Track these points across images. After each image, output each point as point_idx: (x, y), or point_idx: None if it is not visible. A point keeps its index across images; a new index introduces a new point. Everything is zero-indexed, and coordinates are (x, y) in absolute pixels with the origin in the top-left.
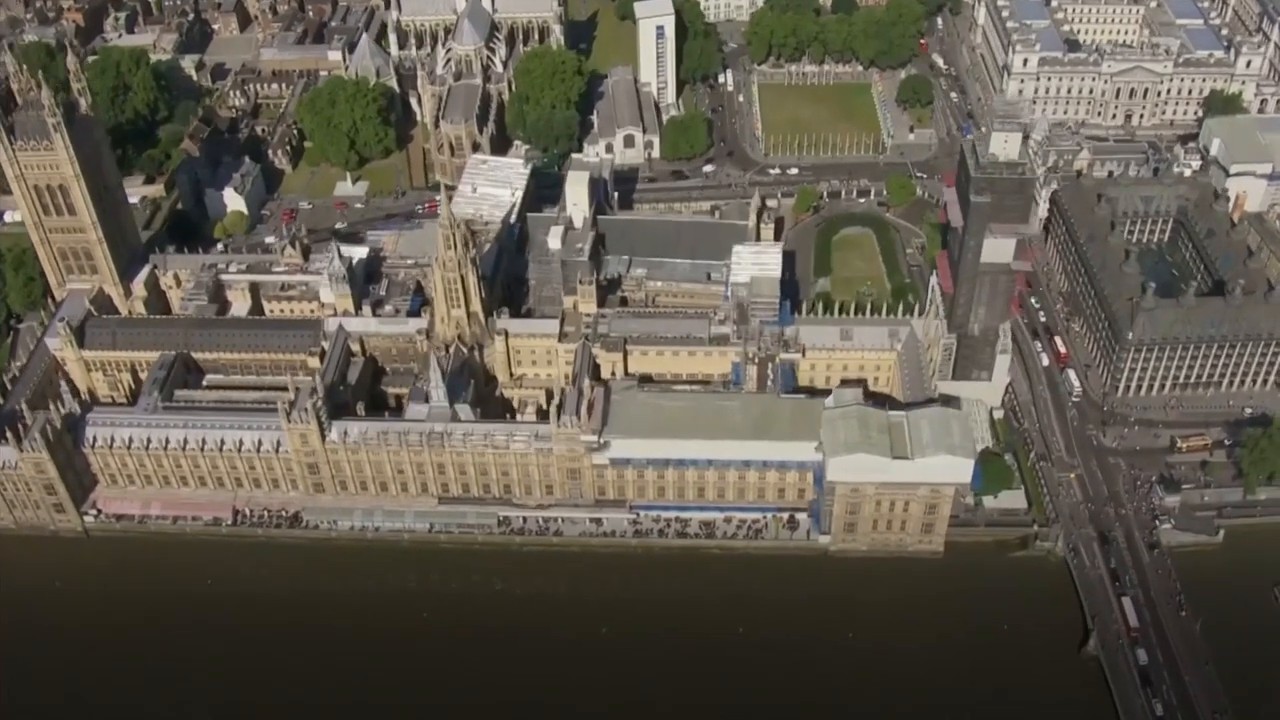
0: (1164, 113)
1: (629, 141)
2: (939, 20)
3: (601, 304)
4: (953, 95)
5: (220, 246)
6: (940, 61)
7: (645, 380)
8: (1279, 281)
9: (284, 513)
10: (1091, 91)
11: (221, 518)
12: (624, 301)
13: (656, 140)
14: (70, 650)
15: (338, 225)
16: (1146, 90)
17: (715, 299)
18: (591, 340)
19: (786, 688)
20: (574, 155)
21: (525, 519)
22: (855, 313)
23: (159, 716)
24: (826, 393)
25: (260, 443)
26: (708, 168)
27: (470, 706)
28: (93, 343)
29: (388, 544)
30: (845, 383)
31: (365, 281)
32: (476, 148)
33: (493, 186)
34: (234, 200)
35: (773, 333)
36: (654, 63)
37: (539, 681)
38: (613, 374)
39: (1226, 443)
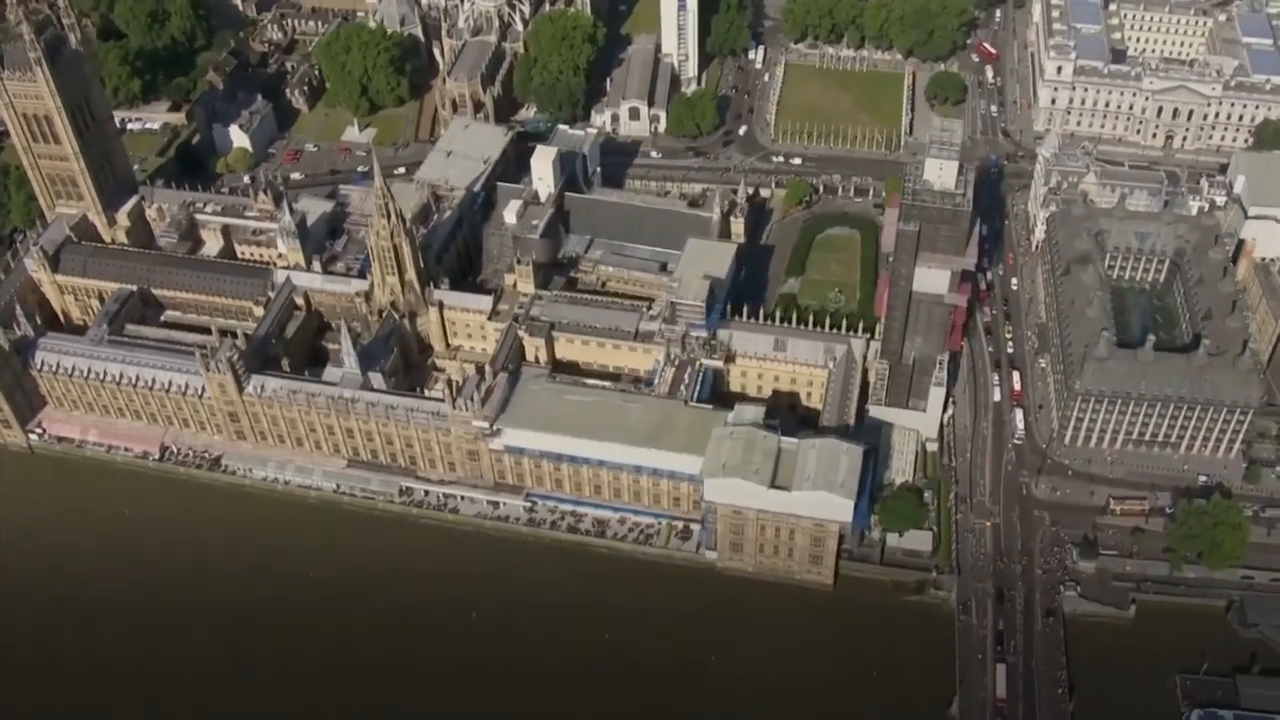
0: (1209, 138)
1: (634, 114)
2: (997, 12)
3: (547, 284)
4: (989, 100)
5: (223, 184)
6: (981, 59)
7: (564, 369)
8: (1269, 342)
9: (206, 454)
10: (1131, 108)
11: (150, 452)
12: (573, 283)
13: (663, 115)
14: None
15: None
16: (1191, 112)
17: (664, 291)
18: (519, 323)
19: (627, 701)
20: (560, 126)
21: (427, 492)
22: (810, 322)
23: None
24: (758, 401)
25: (187, 386)
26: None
27: (322, 664)
28: (66, 268)
29: (296, 498)
30: (777, 394)
31: (327, 236)
32: (480, 107)
33: (468, 152)
34: (239, 137)
35: (700, 336)
36: (675, 34)
37: (392, 652)
38: (536, 359)
39: (1168, 510)
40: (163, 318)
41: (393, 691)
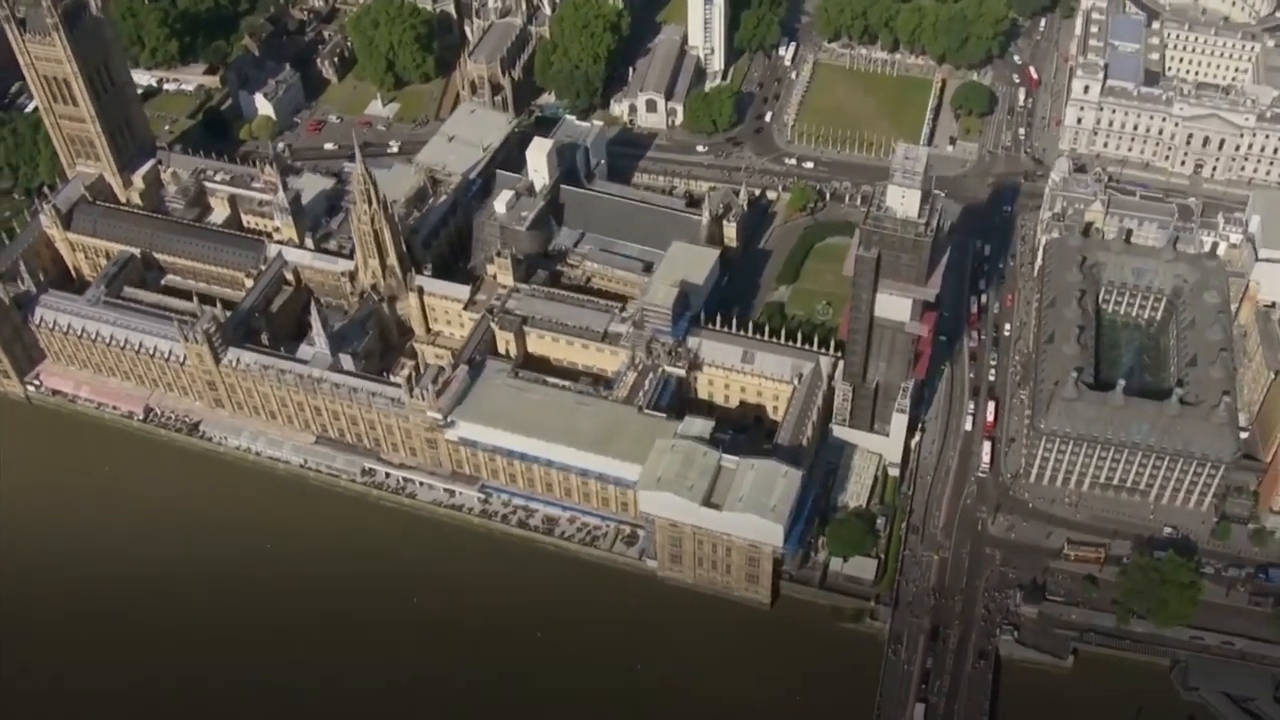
0: (1241, 169)
1: (651, 106)
2: (1042, 22)
3: (531, 276)
4: (1017, 122)
5: (255, 149)
6: (1022, 81)
7: (536, 364)
8: (1261, 392)
9: (187, 419)
10: (1161, 132)
11: (135, 412)
12: (558, 277)
13: (680, 109)
14: None
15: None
16: (1223, 142)
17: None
18: (493, 315)
19: (545, 699)
20: (567, 117)
21: (388, 475)
22: (784, 335)
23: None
24: (726, 411)
25: (171, 352)
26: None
27: (256, 628)
28: (78, 227)
29: (266, 469)
30: (744, 406)
31: (325, 213)
32: (499, 90)
33: (470, 138)
34: (264, 105)
35: (666, 342)
36: (701, 26)
37: (329, 624)
38: (506, 352)
39: (1125, 560)
40: (163, 281)
41: (321, 658)
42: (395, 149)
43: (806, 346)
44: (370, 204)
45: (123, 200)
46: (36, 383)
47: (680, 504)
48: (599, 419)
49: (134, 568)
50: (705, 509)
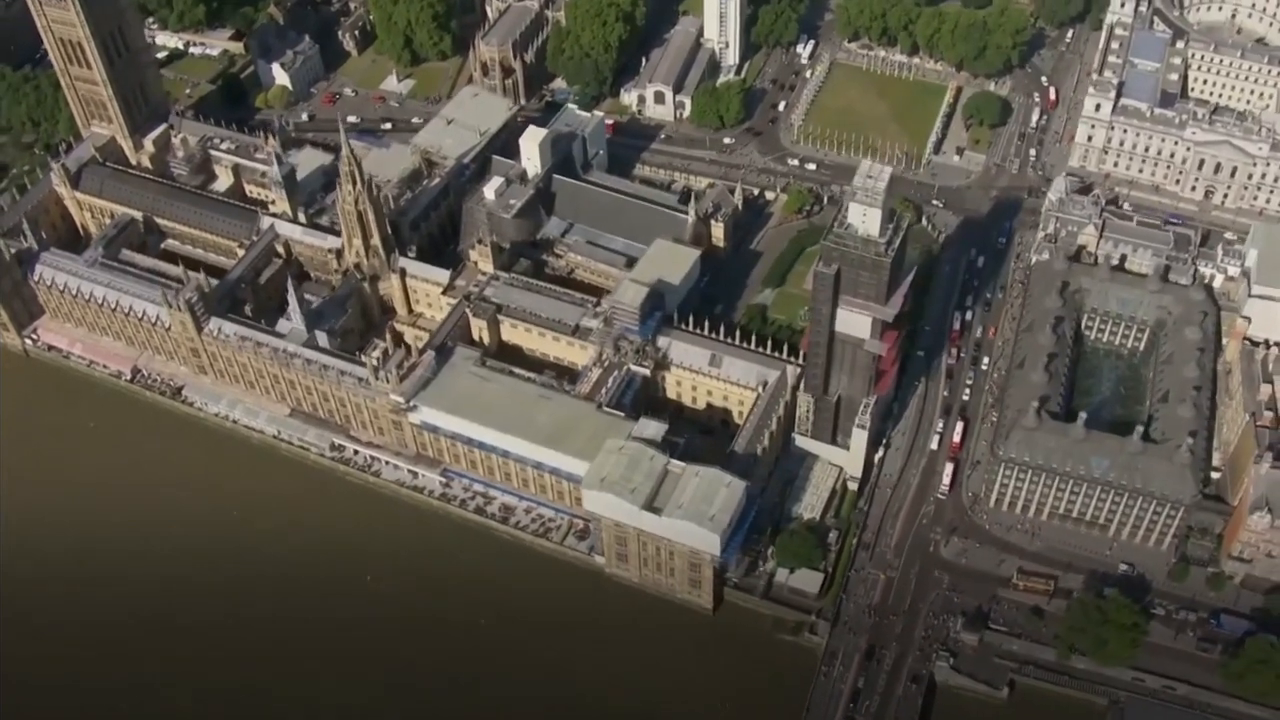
0: (1253, 199)
1: (659, 98)
2: (1069, 33)
3: (513, 264)
4: (1026, 143)
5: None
6: (1040, 103)
7: (509, 352)
8: (1237, 433)
9: (171, 383)
10: (1173, 155)
11: (123, 372)
12: (541, 266)
13: (688, 102)
14: None
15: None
16: (1235, 170)
17: None
18: (469, 301)
19: (483, 689)
20: (569, 106)
21: (356, 452)
22: (754, 340)
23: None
24: (690, 412)
25: (158, 317)
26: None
27: (208, 591)
28: (85, 186)
29: (241, 437)
30: (711, 408)
31: (322, 189)
32: (510, 73)
33: (469, 122)
34: (280, 75)
35: (635, 341)
36: (717, 19)
37: (280, 594)
38: (480, 339)
39: (1075, 594)
40: (163, 246)
41: (266, 623)
42: (388, 127)
43: (776, 354)
44: (355, 185)
45: (133, 163)
46: (34, 337)
47: (622, 506)
48: (557, 414)
49: (98, 521)
50: (645, 513)
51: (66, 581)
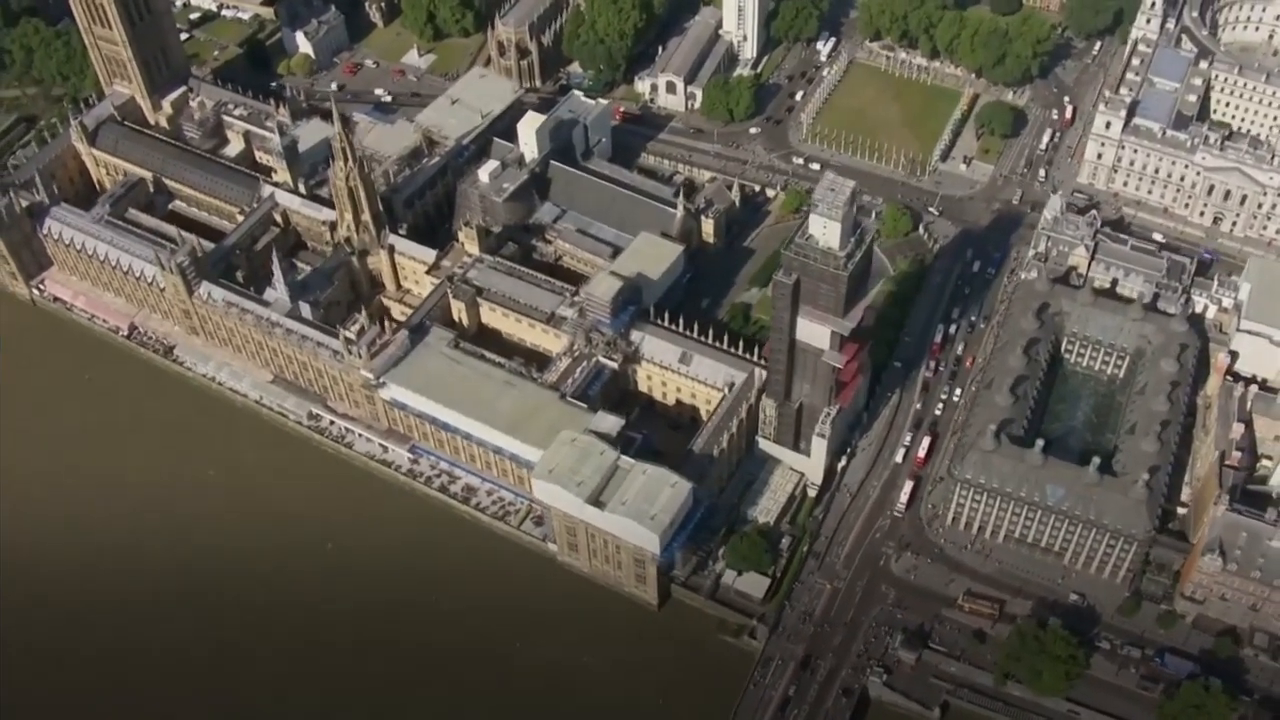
0: (1263, 228)
1: (671, 88)
2: (1097, 45)
3: (500, 248)
4: (1036, 164)
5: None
6: (1058, 120)
7: (488, 336)
8: (1206, 471)
9: (164, 342)
10: (1183, 179)
11: (121, 328)
12: (529, 252)
13: (699, 94)
14: None
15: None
16: (1245, 197)
17: None
18: (451, 283)
19: (425, 665)
20: (574, 91)
21: (332, 422)
22: (741, 340)
23: None
24: (661, 406)
25: (154, 278)
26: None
27: (172, 551)
28: (101, 144)
29: (226, 400)
30: (680, 405)
31: (325, 161)
32: (525, 54)
33: (473, 103)
34: (304, 44)
35: (608, 333)
36: (735, 12)
37: (237, 557)
38: (459, 320)
39: (1022, 619)
40: (170, 207)
41: (223, 581)
42: (388, 99)
43: (748, 356)
44: (346, 161)
45: (151, 123)
46: (41, 287)
47: (568, 497)
48: (520, 401)
49: (77, 469)
50: (589, 506)
51: (35, 519)
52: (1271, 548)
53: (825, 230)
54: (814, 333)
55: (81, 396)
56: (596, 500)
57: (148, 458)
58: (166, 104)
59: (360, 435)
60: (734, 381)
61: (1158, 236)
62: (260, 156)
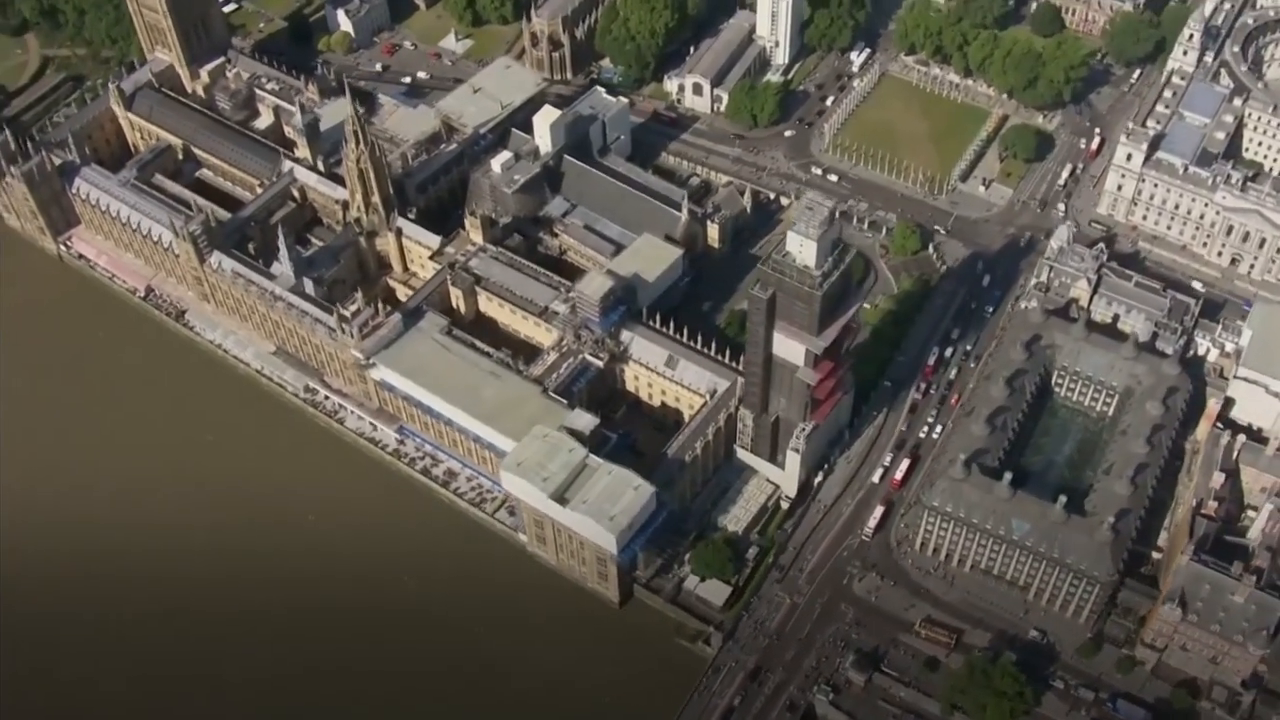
0: None
1: (697, 89)
2: (1136, 73)
3: (505, 238)
4: (1052, 202)
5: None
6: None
7: (484, 325)
8: (1186, 517)
9: (177, 306)
10: (1202, 217)
11: (138, 289)
12: (534, 245)
13: (726, 96)
14: None
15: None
16: (1264, 241)
17: None
18: (451, 270)
19: (388, 643)
20: (596, 87)
21: (327, 397)
22: (732, 348)
23: None
24: (647, 407)
25: (170, 243)
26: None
27: (160, 514)
28: (137, 109)
29: (229, 367)
30: (665, 407)
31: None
32: (558, 47)
33: (495, 93)
34: (344, 22)
35: (596, 332)
36: (769, 17)
37: (221, 527)
38: (457, 308)
39: (978, 651)
40: (197, 175)
41: (203, 545)
42: (407, 81)
43: (734, 365)
44: (358, 143)
45: (188, 92)
46: (68, 244)
47: (533, 491)
48: (503, 392)
49: (80, 425)
50: (552, 502)
51: (32, 465)
52: (1233, 601)
53: (802, 248)
54: (789, 348)
55: (92, 349)
56: (560, 497)
57: (147, 419)
58: (204, 74)
59: (352, 412)
60: (716, 388)
61: (1197, 285)
62: (288, 132)
